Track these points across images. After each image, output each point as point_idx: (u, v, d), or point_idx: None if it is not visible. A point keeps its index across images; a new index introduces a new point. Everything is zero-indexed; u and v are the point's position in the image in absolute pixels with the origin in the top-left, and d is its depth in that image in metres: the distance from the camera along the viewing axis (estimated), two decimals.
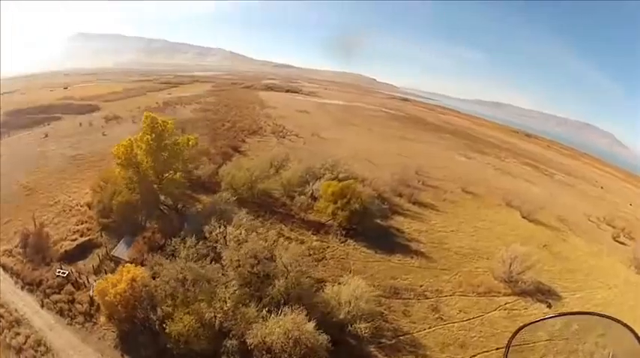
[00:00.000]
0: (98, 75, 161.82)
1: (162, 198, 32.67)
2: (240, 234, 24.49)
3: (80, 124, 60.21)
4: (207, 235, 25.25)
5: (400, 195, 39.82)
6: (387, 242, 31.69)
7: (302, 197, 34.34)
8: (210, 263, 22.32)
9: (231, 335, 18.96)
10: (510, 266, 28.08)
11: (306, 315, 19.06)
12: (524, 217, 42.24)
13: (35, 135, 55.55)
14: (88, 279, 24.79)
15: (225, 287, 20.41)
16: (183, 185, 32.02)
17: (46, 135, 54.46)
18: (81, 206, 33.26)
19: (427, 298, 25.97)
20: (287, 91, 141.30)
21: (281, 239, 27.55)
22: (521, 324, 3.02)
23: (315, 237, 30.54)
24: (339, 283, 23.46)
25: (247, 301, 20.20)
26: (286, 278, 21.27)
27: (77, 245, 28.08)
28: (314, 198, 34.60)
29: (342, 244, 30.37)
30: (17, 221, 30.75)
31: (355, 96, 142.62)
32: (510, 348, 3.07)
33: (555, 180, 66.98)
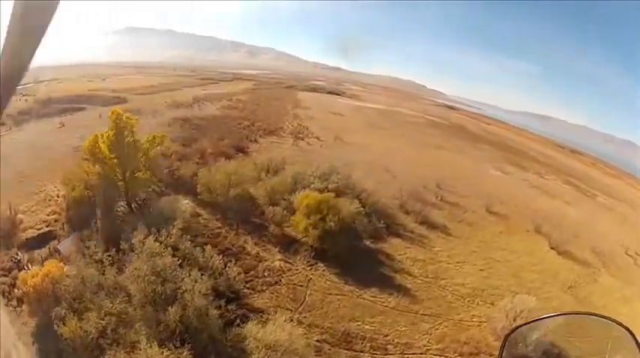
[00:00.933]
0: (142, 68, 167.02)
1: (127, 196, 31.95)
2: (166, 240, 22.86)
3: (100, 116, 60.32)
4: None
5: (407, 212, 35.84)
6: (367, 271, 27.67)
7: (276, 208, 31.17)
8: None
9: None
10: (513, 321, 21.81)
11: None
12: (552, 248, 37.14)
13: (52, 124, 56.85)
14: (31, 267, 24.99)
15: (112, 303, 18.96)
16: (148, 184, 31.75)
17: (63, 125, 55.96)
18: (59, 197, 33.41)
19: (387, 353, 21.60)
20: (329, 93, 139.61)
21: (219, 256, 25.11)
22: (516, 325, 2.31)
23: (279, 256, 27.51)
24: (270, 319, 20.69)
25: (133, 323, 18.50)
26: (186, 303, 19.07)
27: (39, 234, 28.99)
28: (292, 211, 31.24)
29: (309, 268, 27.02)
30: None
31: (399, 102, 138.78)
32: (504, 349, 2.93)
33: (596, 201, 60.46)
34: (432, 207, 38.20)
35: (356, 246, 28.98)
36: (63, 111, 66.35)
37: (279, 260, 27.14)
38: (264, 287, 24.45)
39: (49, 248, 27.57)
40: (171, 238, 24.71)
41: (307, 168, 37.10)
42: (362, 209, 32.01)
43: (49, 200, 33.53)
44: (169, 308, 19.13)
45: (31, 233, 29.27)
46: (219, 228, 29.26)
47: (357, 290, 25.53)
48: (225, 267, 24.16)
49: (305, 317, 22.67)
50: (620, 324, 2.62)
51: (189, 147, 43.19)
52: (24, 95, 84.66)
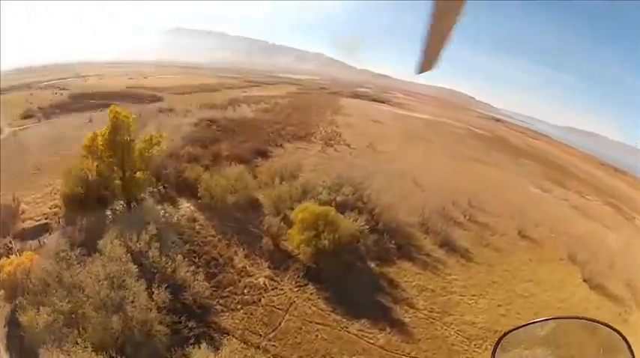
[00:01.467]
0: (188, 68, 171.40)
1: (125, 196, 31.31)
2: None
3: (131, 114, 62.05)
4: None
5: (427, 232, 32.09)
6: (361, 298, 24.09)
7: (274, 219, 28.68)
8: None
9: None
10: None
11: None
12: (585, 280, 32.54)
13: (81, 119, 57.79)
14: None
15: (61, 301, 18.61)
16: (145, 185, 31.16)
17: (90, 120, 56.24)
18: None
19: None
20: (374, 101, 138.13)
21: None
22: (507, 330, 2.93)
23: (267, 272, 24.99)
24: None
25: (81, 323, 17.88)
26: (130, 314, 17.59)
27: (36, 226, 29.64)
28: (291, 223, 28.16)
29: (296, 289, 24.17)
30: (7, 196, 31.55)
31: (445, 112, 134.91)
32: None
33: (635, 225, 54.43)
34: (456, 227, 34.63)
35: (356, 268, 25.82)
36: (95, 106, 66.95)
37: (266, 277, 24.66)
38: (239, 306, 22.28)
39: (39, 240, 27.71)
40: (139, 244, 23.38)
41: (323, 177, 34.82)
42: (368, 226, 29.10)
43: (55, 193, 33.46)
44: (114, 316, 18.13)
45: (29, 223, 29.90)
46: (213, 236, 27.54)
47: (344, 320, 22.37)
48: (195, 279, 22.48)
49: (273, 345, 20.34)
50: (613, 329, 2.64)
51: (206, 149, 42.14)
52: (61, 89, 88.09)
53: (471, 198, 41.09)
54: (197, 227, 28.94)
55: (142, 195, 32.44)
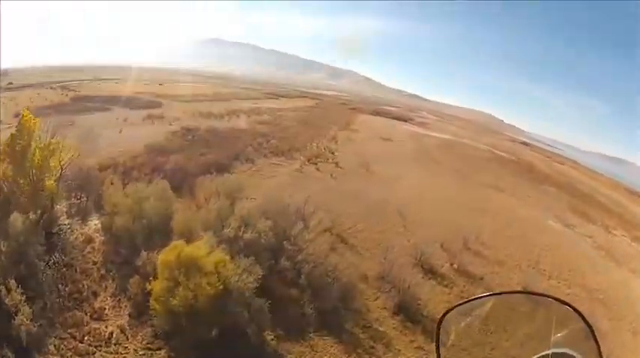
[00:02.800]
0: (210, 78, 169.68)
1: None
2: None
3: (117, 119, 58.13)
4: None
5: (382, 290, 21.94)
6: None
7: (152, 254, 20.19)
8: None
9: None
10: None
11: None
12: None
13: (66, 121, 53.73)
14: None
15: None
16: (56, 195, 24.62)
17: (72, 124, 51.58)
18: None
19: None
20: (395, 118, 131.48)
21: None
22: (450, 306, 2.73)
23: (123, 320, 17.48)
24: None
25: None
26: None
27: None
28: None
29: (143, 352, 16.45)
30: None
31: (470, 134, 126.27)
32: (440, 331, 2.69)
33: None
34: (431, 282, 24.46)
35: (240, 340, 16.51)
36: (88, 109, 64.72)
37: (118, 326, 17.33)
38: (70, 354, 15.64)
39: None
40: None
41: (266, 204, 26.94)
42: (280, 278, 20.74)
43: None
44: None
45: None
46: (95, 262, 20.72)
47: None
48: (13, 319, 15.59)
49: None
50: (563, 302, 2.57)
51: (154, 161, 35.87)
52: (70, 90, 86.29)
53: (469, 238, 31.72)
54: (87, 249, 22.25)
55: (58, 206, 26.75)
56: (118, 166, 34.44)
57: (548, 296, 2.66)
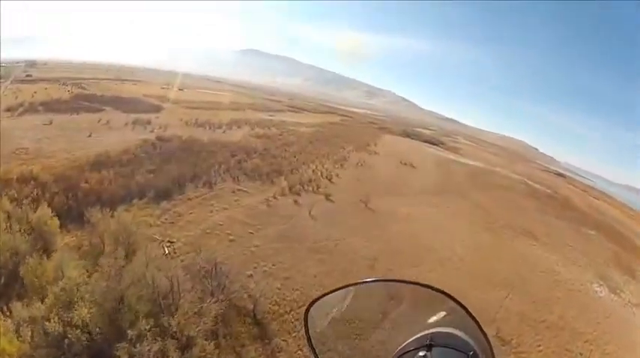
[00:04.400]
0: (239, 87, 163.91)
1: None
2: None
3: (99, 121, 52.71)
4: None
5: None
6: None
7: None
8: None
9: None
10: None
11: None
12: None
13: (46, 119, 49.16)
14: None
15: None
16: None
17: (51, 123, 47.94)
18: None
19: None
20: (426, 142, 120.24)
21: None
22: (315, 297, 2.53)
23: None
24: None
25: None
26: None
27: None
28: None
29: None
30: None
31: (502, 161, 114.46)
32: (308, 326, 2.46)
33: None
34: None
35: None
36: (81, 108, 61.09)
37: None
38: None
39: None
40: None
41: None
42: None
43: None
44: None
45: None
46: None
47: None
48: None
49: None
50: (431, 287, 2.34)
51: (80, 177, 26.89)
52: (79, 87, 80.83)
53: (492, 325, 21.13)
54: None
55: None
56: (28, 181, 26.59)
57: (419, 284, 2.41)
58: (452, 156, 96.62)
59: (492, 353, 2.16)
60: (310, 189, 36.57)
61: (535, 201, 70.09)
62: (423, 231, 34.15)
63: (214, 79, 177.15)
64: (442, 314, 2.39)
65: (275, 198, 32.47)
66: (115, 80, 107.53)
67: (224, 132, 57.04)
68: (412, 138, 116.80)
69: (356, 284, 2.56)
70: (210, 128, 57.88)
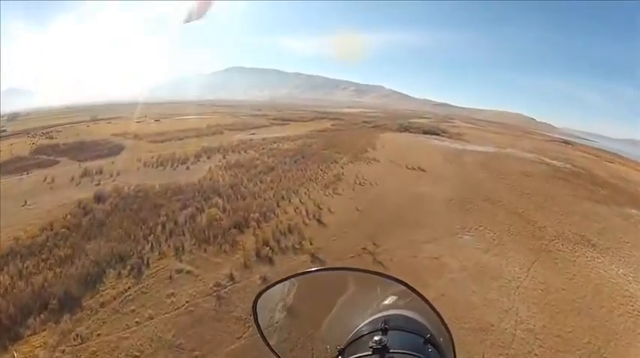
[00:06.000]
0: (224, 106, 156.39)
1: None
2: None
3: (45, 179, 40.96)
4: None
5: None
6: None
7: None
8: None
9: None
10: None
11: None
12: None
13: None
14: None
15: None
16: None
17: None
18: None
19: None
20: (426, 133, 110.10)
21: None
22: (264, 286, 2.53)
23: None
24: None
25: None
26: None
27: None
28: None
29: None
30: None
31: (510, 140, 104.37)
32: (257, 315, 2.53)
33: None
34: None
35: None
36: (36, 165, 50.19)
37: None
38: None
39: None
40: None
41: None
42: None
43: None
44: None
45: None
46: None
47: None
48: None
49: None
50: (381, 274, 2.33)
51: None
52: (47, 137, 70.54)
53: None
54: None
55: None
56: None
57: (372, 272, 2.34)
58: (458, 146, 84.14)
59: (451, 336, 2.06)
60: (290, 244, 24.80)
61: (563, 183, 57.60)
62: (463, 285, 22.57)
63: (198, 103, 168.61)
64: (394, 298, 2.29)
65: (232, 280, 20.92)
66: (89, 122, 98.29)
67: (187, 168, 45.78)
68: (411, 132, 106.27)
69: (302, 273, 2.47)
70: (172, 165, 46.34)
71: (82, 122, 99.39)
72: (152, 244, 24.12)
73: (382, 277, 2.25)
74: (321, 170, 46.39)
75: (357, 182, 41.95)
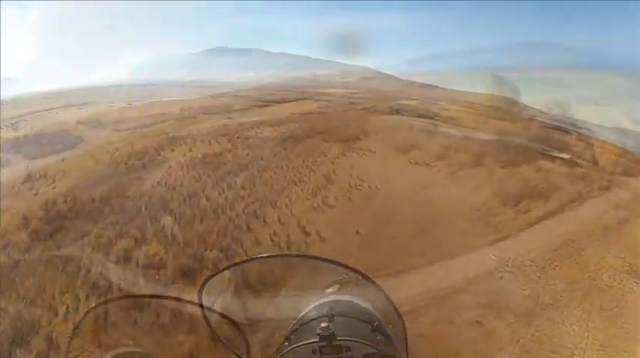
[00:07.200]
0: (201, 88, 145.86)
1: None
2: None
3: None
4: None
5: None
6: None
7: None
8: None
9: None
10: None
11: None
12: None
13: None
14: None
15: None
16: None
17: None
18: None
19: None
20: (420, 116, 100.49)
21: None
22: (211, 273, 2.57)
23: None
24: None
25: None
26: None
27: None
28: None
29: None
30: None
31: (506, 126, 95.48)
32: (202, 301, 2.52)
33: None
34: None
35: None
36: None
37: None
38: None
39: None
40: None
41: None
42: None
43: None
44: None
45: None
46: None
47: None
48: None
49: None
50: (326, 260, 2.32)
51: None
52: (12, 128, 61.97)
53: None
54: None
55: None
56: None
57: (316, 258, 2.39)
58: (456, 132, 75.38)
59: (404, 324, 2.05)
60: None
61: (582, 184, 49.25)
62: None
63: (179, 84, 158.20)
64: (340, 284, 2.27)
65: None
66: (59, 108, 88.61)
67: (144, 166, 37.05)
68: (402, 114, 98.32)
69: (244, 261, 2.60)
70: (125, 164, 37.79)
71: (54, 109, 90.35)
72: (68, 307, 15.71)
73: (332, 264, 2.12)
74: (307, 167, 37.57)
75: (353, 185, 33.04)
